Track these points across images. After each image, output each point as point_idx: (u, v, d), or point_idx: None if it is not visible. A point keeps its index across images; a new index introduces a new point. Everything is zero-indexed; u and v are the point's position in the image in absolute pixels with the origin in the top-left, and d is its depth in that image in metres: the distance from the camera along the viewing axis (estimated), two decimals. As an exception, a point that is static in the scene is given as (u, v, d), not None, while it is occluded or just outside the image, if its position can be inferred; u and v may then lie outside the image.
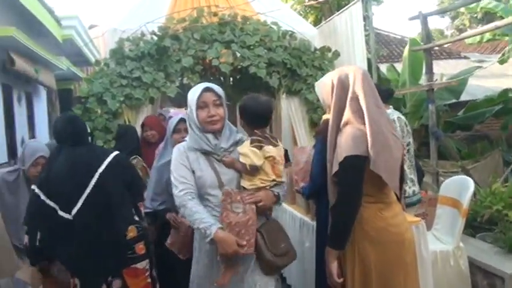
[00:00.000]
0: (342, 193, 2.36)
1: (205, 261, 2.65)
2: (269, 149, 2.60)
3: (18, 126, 7.17)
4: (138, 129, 4.86)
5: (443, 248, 4.01)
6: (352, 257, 2.41)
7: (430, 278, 3.54)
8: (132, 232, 2.87)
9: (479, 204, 5.08)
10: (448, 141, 6.78)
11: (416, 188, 4.18)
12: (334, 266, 2.41)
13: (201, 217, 2.47)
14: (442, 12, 15.95)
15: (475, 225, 4.96)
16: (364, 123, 2.35)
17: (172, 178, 2.58)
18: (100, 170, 2.84)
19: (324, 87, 2.63)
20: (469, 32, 13.10)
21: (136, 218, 2.97)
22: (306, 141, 5.78)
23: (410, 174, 4.14)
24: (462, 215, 4.06)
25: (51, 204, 2.80)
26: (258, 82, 6.03)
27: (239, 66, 5.62)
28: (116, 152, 3.00)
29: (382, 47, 14.66)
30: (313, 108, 5.78)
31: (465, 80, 8.20)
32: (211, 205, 2.58)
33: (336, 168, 2.36)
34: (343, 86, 2.46)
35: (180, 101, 6.79)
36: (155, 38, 5.44)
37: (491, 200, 5.00)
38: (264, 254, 2.54)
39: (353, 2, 5.80)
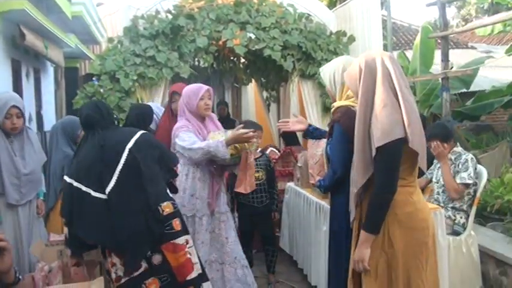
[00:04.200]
0: (384, 178, 2.34)
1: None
2: None
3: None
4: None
5: (456, 236, 4.01)
6: (380, 241, 2.40)
7: (445, 265, 3.55)
8: (168, 208, 2.86)
9: (489, 194, 5.07)
10: (459, 131, 6.76)
11: (467, 222, 4.03)
12: (368, 252, 2.39)
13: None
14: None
15: (485, 214, 4.96)
16: (397, 104, 2.34)
17: None
18: (128, 146, 2.84)
19: (350, 73, 2.57)
20: (485, 19, 12.91)
21: (171, 195, 2.97)
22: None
23: (468, 207, 4.06)
24: (474, 203, 4.07)
25: (84, 188, 2.79)
26: (271, 65, 5.98)
27: (254, 48, 5.57)
28: (142, 131, 2.98)
29: (390, 34, 14.54)
30: (327, 92, 5.74)
31: (476, 70, 8.15)
32: None
33: (373, 152, 2.33)
34: (370, 69, 2.44)
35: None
36: (170, 16, 5.38)
37: (502, 191, 5.00)
38: None
39: (370, -14, 5.74)
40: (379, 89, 2.39)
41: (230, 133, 3.48)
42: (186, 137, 3.48)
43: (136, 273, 2.78)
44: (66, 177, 2.88)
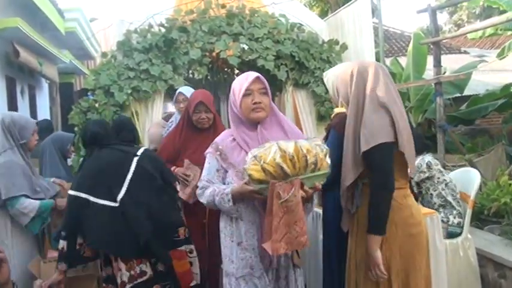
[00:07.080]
0: (382, 179, 2.41)
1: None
2: None
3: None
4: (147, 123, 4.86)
5: (452, 239, 4.02)
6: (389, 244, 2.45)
7: (444, 269, 3.55)
8: (181, 232, 3.01)
9: (485, 197, 5.08)
10: (454, 135, 6.79)
11: (461, 221, 4.07)
12: (379, 255, 2.38)
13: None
14: (451, 5, 15.87)
15: (482, 218, 4.97)
16: (386, 110, 2.43)
17: None
18: (137, 157, 3.00)
19: (342, 76, 2.68)
20: (477, 25, 13.01)
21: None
22: (313, 134, 5.77)
23: (458, 206, 4.13)
24: (470, 206, 4.09)
25: (91, 199, 2.87)
26: (265, 75, 5.99)
27: (247, 59, 5.60)
28: (145, 147, 3.21)
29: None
30: (321, 101, 5.78)
31: (469, 74, 8.21)
32: None
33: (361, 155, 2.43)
34: (362, 77, 2.55)
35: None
36: (163, 29, 5.41)
37: (498, 193, 5.01)
38: None
39: (361, -6, 5.78)
40: (369, 98, 2.49)
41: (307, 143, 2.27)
42: (206, 167, 2.57)
43: (140, 280, 2.85)
44: (70, 192, 2.96)
